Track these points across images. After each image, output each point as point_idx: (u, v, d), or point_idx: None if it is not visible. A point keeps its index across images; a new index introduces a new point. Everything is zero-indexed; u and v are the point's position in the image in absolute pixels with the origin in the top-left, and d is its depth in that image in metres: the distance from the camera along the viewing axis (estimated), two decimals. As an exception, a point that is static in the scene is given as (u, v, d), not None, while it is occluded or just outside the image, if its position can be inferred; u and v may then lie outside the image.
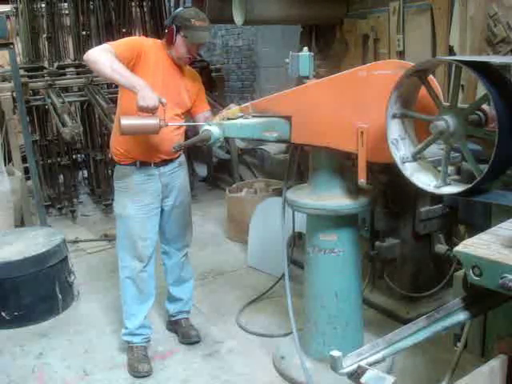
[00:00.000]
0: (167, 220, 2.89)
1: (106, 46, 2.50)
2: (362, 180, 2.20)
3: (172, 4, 6.31)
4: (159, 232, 2.91)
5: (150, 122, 2.41)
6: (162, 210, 2.85)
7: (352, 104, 2.19)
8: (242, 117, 2.46)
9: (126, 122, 2.42)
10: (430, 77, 1.94)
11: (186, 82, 2.77)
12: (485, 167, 1.68)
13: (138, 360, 2.83)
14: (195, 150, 5.96)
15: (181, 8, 2.84)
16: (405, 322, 2.72)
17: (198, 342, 3.05)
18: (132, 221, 2.74)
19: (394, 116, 1.97)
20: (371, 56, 4.11)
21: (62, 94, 5.12)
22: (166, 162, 2.76)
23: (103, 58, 2.41)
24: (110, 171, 5.38)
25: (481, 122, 1.79)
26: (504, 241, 1.49)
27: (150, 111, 2.39)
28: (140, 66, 2.57)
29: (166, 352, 3.01)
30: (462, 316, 1.61)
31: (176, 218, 2.91)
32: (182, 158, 2.90)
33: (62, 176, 5.66)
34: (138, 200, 2.73)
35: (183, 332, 3.10)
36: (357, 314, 2.64)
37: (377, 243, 3.01)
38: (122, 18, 5.77)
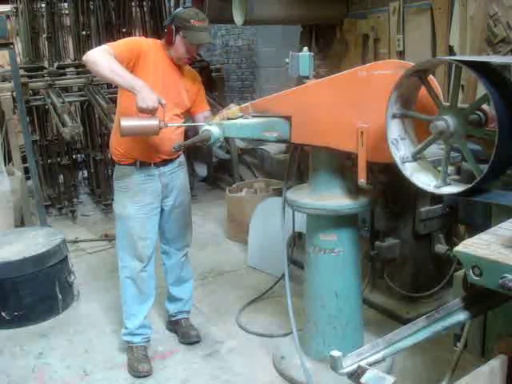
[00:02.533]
0: (167, 220, 2.89)
1: (105, 46, 2.49)
2: (361, 180, 2.20)
3: (172, 4, 6.31)
4: (159, 232, 2.91)
5: (150, 123, 2.41)
6: (162, 210, 2.85)
7: (352, 104, 2.19)
8: (241, 117, 2.46)
9: (126, 123, 2.41)
10: (430, 77, 1.94)
11: (185, 82, 2.77)
12: (485, 167, 1.68)
13: (138, 360, 2.83)
14: (195, 150, 5.96)
15: (180, 8, 2.83)
16: (405, 322, 2.72)
17: (197, 342, 3.05)
18: (132, 221, 2.74)
19: (394, 116, 1.97)
20: (371, 56, 4.11)
21: (62, 94, 5.12)
22: (165, 162, 2.76)
23: (102, 59, 2.40)
24: (109, 171, 5.39)
25: (481, 122, 1.79)
26: (504, 241, 1.49)
27: (150, 112, 2.39)
28: (140, 67, 2.57)
29: (166, 352, 3.01)
30: (462, 316, 1.61)
31: (176, 217, 2.91)
32: (182, 158, 2.90)
33: (61, 176, 5.66)
34: (138, 200, 2.72)
35: (183, 332, 3.10)
36: (357, 314, 2.64)
37: (377, 243, 3.01)
38: (121, 18, 5.77)
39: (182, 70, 2.76)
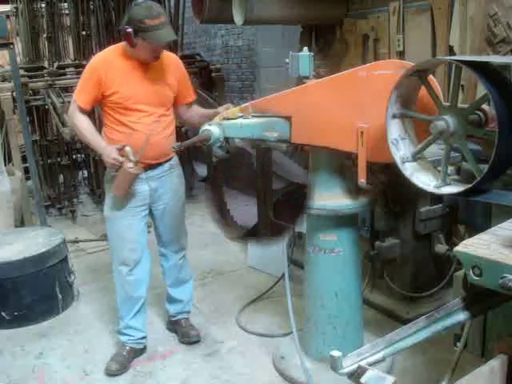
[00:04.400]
0: (160, 223, 2.87)
1: (73, 106, 2.63)
2: (362, 180, 2.20)
3: (172, 4, 6.30)
4: (155, 234, 2.91)
5: (124, 172, 2.53)
6: (154, 214, 2.83)
7: (352, 104, 2.19)
8: (241, 117, 2.46)
9: (116, 192, 2.64)
10: (430, 77, 1.94)
11: (162, 76, 2.66)
12: (485, 167, 1.68)
13: (112, 358, 2.86)
14: (195, 150, 5.94)
15: (132, 5, 2.59)
16: (405, 322, 2.72)
17: (197, 342, 3.05)
18: (119, 223, 2.74)
19: (394, 116, 1.97)
20: (371, 56, 4.11)
21: (62, 94, 5.12)
22: (154, 166, 2.72)
23: (76, 125, 2.65)
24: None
25: (481, 122, 1.79)
26: (504, 241, 1.49)
27: (116, 165, 2.51)
28: (108, 87, 2.56)
29: (166, 352, 3.01)
30: (462, 316, 1.61)
31: (169, 221, 2.88)
32: (174, 161, 2.83)
33: (61, 176, 5.66)
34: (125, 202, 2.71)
35: (183, 332, 3.10)
36: (357, 314, 2.64)
37: (377, 243, 3.01)
38: (121, 18, 5.76)
39: (154, 66, 2.63)
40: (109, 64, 2.59)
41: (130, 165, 2.51)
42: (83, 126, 2.63)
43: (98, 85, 2.56)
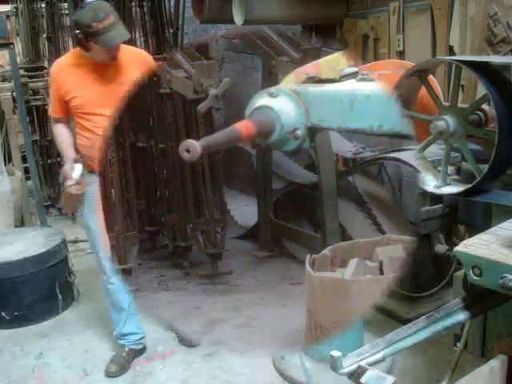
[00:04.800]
0: None
1: (52, 119, 2.69)
2: (361, 180, 2.20)
3: (172, 4, 6.29)
4: None
5: (68, 190, 2.49)
6: None
7: (352, 104, 2.19)
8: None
9: (63, 207, 2.82)
10: (430, 77, 1.94)
11: (125, 74, 2.56)
12: (485, 167, 1.68)
13: (112, 359, 2.85)
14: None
15: (78, 9, 2.49)
16: (405, 322, 2.71)
17: (198, 345, 3.04)
18: (93, 231, 2.70)
19: (394, 116, 1.97)
20: (371, 56, 4.11)
21: (62, 94, 5.12)
22: None
23: (54, 136, 2.70)
24: (109, 171, 5.38)
25: (481, 122, 1.79)
26: (504, 241, 1.49)
27: (69, 177, 2.48)
28: (67, 93, 2.53)
29: (166, 352, 3.00)
30: (462, 316, 1.61)
31: None
32: None
33: (61, 176, 5.65)
34: (96, 209, 2.67)
35: (183, 335, 3.08)
36: (357, 314, 2.64)
37: (377, 243, 3.01)
38: (121, 18, 5.75)
39: (114, 66, 2.54)
40: (65, 70, 2.56)
41: (69, 183, 2.44)
42: (55, 134, 2.66)
43: (57, 91, 2.55)
